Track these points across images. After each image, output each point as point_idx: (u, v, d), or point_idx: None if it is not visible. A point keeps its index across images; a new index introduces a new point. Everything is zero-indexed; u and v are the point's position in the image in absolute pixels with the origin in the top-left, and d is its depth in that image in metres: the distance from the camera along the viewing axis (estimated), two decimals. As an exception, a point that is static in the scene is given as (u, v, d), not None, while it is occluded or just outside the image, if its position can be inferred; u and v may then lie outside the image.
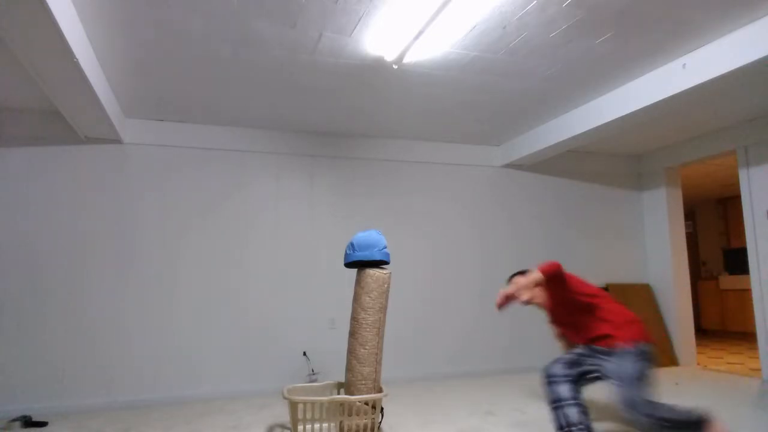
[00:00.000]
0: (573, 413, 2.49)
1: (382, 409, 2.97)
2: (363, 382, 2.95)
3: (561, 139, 4.48)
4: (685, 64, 3.33)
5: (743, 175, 4.77)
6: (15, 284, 3.93)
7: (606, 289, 5.53)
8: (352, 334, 3.06)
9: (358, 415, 2.89)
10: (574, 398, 2.54)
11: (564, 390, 2.56)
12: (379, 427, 3.05)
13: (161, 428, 3.36)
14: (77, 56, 2.72)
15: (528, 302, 2.64)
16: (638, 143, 5.46)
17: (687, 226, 9.05)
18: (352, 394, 2.96)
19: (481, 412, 3.56)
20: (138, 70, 3.43)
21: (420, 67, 3.43)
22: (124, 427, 3.40)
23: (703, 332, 8.05)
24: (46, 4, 2.21)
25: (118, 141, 4.31)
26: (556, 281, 2.56)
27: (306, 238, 4.72)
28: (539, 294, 2.74)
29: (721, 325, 7.63)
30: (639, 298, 5.57)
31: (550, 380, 2.61)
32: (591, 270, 5.60)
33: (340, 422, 2.85)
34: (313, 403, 2.76)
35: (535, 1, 2.66)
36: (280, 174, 4.73)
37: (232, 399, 4.21)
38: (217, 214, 4.50)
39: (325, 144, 4.88)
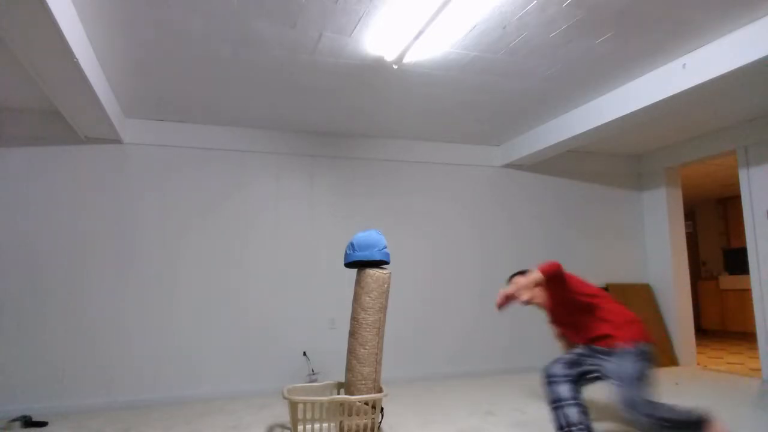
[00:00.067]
0: (573, 413, 2.49)
1: (382, 409, 2.97)
2: (363, 382, 2.95)
3: (561, 139, 4.49)
4: (685, 64, 3.33)
5: (743, 175, 4.77)
6: (15, 284, 3.93)
7: (606, 289, 5.53)
8: (352, 334, 3.06)
9: (358, 415, 2.89)
10: (574, 398, 2.54)
11: (564, 390, 2.56)
12: (379, 427, 3.05)
13: (161, 428, 3.36)
14: (77, 56, 2.72)
15: (528, 302, 2.64)
16: (638, 143, 5.46)
17: (687, 226, 9.05)
18: (352, 394, 2.96)
19: (481, 412, 3.56)
20: (138, 70, 3.43)
21: (420, 67, 3.43)
22: (124, 427, 3.40)
23: (703, 332, 8.05)
24: (46, 4, 2.21)
25: (118, 141, 4.31)
26: (556, 281, 2.56)
27: (306, 238, 4.72)
28: (539, 294, 2.74)
29: (721, 325, 7.63)
30: (639, 298, 5.57)
31: (550, 380, 2.61)
32: (591, 270, 5.60)
33: (340, 422, 2.85)
34: (313, 403, 2.76)
35: (535, 1, 2.66)
36: (280, 174, 4.73)
37: (232, 399, 4.21)
38: (217, 214, 4.50)
39: (325, 144, 4.88)
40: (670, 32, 3.03)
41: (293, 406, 2.79)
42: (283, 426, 3.35)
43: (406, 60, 3.27)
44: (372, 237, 3.13)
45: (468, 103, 4.13)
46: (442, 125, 4.70)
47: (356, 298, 3.09)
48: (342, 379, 4.45)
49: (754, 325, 6.33)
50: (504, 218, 5.39)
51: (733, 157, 5.62)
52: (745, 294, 7.24)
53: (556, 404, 2.55)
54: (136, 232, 4.26)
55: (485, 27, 2.91)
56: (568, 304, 2.65)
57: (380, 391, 3.00)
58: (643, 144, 5.50)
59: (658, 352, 5.30)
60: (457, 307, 5.08)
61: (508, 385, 4.52)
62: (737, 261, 7.97)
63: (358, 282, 3.11)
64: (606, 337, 2.54)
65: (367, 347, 2.99)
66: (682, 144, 5.41)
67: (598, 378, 2.69)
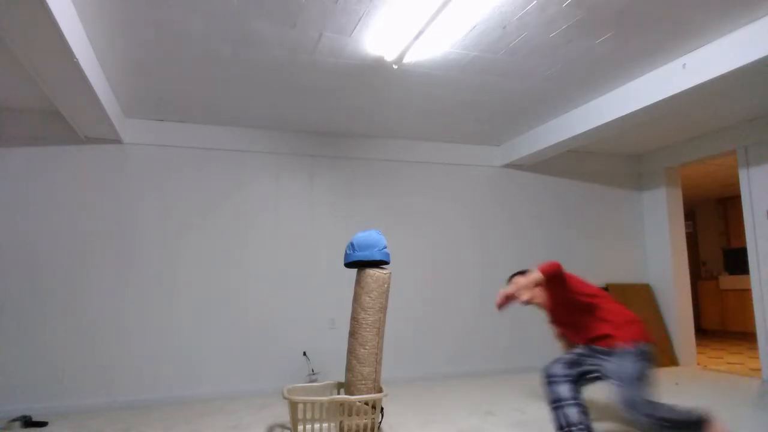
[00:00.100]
0: (573, 413, 2.49)
1: (382, 409, 2.97)
2: (363, 382, 2.95)
3: (561, 139, 4.48)
4: (685, 64, 3.33)
5: (743, 175, 4.77)
6: (15, 284, 3.93)
7: (606, 289, 5.53)
8: (352, 334, 3.06)
9: (358, 415, 2.89)
10: (574, 398, 2.54)
11: (564, 390, 2.56)
12: (379, 427, 3.05)
13: (161, 428, 3.36)
14: (77, 56, 2.73)
15: (528, 302, 2.64)
16: (638, 143, 5.46)
17: (687, 226, 9.05)
18: (352, 394, 2.96)
19: (481, 412, 3.56)
20: (138, 70, 3.43)
21: (420, 67, 3.43)
22: (124, 427, 3.40)
23: (703, 332, 8.05)
24: (46, 4, 2.21)
25: (118, 141, 4.31)
26: (556, 281, 2.56)
27: (306, 238, 4.72)
28: (539, 294, 2.74)
29: (721, 325, 7.63)
30: (639, 298, 5.57)
31: (550, 380, 2.61)
32: (591, 270, 5.60)
33: (340, 422, 2.85)
34: (313, 403, 2.76)
35: (535, 1, 2.66)
36: (280, 174, 4.73)
37: (232, 399, 4.21)
38: (217, 214, 4.50)
39: (325, 144, 4.88)
40: (670, 32, 3.03)
41: (293, 406, 2.79)
42: (283, 426, 3.35)
43: (406, 60, 3.27)
44: (372, 237, 3.13)
45: (468, 103, 4.13)
46: (442, 125, 4.70)
47: (356, 298, 3.09)
48: (342, 379, 4.45)
49: (754, 325, 6.33)
50: (504, 218, 5.39)
51: (733, 157, 5.62)
52: (745, 294, 7.24)
53: (556, 404, 2.55)
54: (136, 232, 4.26)
55: (485, 27, 2.91)
56: (568, 304, 2.65)
57: (380, 391, 3.00)
58: (643, 144, 5.50)
59: (658, 352, 5.30)
60: (457, 307, 5.08)
61: (508, 385, 4.52)
62: (737, 261, 7.97)
63: (358, 282, 3.11)
64: (606, 337, 2.54)
65: (367, 347, 2.99)
66: (682, 144, 5.41)
67: (598, 378, 2.69)
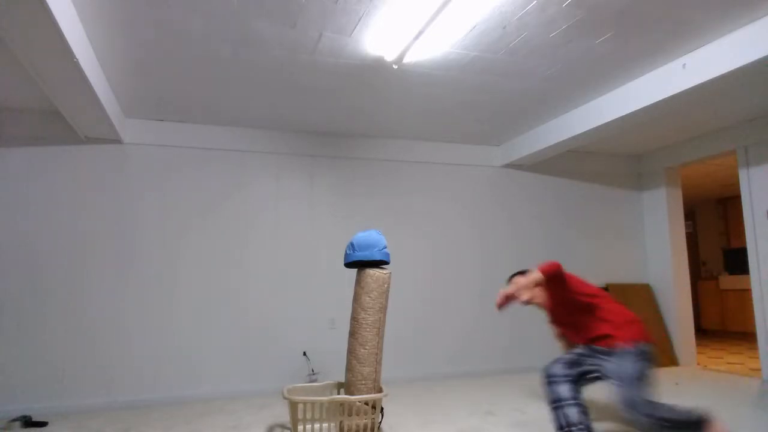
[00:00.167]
0: (573, 413, 2.49)
1: (382, 409, 2.97)
2: (363, 382, 2.95)
3: (561, 139, 4.48)
4: (685, 64, 3.33)
5: (743, 175, 4.77)
6: (15, 284, 3.93)
7: (606, 289, 5.53)
8: (352, 334, 3.06)
9: (358, 415, 2.89)
10: (574, 398, 2.54)
11: (564, 390, 2.56)
12: (379, 427, 3.05)
13: (161, 428, 3.36)
14: (77, 56, 2.73)
15: (528, 302, 2.64)
16: (638, 143, 5.46)
17: (687, 226, 9.05)
18: (352, 394, 2.96)
19: (481, 412, 3.56)
20: (138, 70, 3.43)
21: (420, 67, 3.43)
22: (124, 427, 3.40)
23: (703, 332, 8.05)
24: (46, 4, 2.21)
25: (118, 141, 4.31)
26: (556, 281, 2.56)
27: (306, 238, 4.72)
28: (539, 294, 2.74)
29: (721, 325, 7.63)
30: (639, 298, 5.57)
31: (550, 380, 2.61)
32: (591, 270, 5.60)
33: (340, 422, 2.85)
34: (313, 403, 2.76)
35: (535, 1, 2.66)
36: (280, 174, 4.73)
37: (232, 399, 4.21)
38: (217, 214, 4.50)
39: (325, 144, 4.88)
40: (670, 32, 3.03)
41: (293, 406, 2.79)
42: (283, 426, 3.35)
43: (406, 60, 3.27)
44: (372, 237, 3.13)
45: (468, 103, 4.13)
46: (442, 125, 4.70)
47: (356, 298, 3.09)
48: (342, 379, 4.45)
49: (754, 325, 6.33)
50: (504, 218, 5.39)
51: (733, 157, 5.62)
52: (745, 294, 7.24)
53: (556, 404, 2.55)
54: (136, 232, 4.26)
55: (485, 27, 2.91)
56: (568, 304, 2.65)
57: (380, 391, 3.00)
58: (643, 144, 5.50)
59: (658, 352, 5.30)
60: (457, 307, 5.08)
61: (508, 385, 4.52)
62: (737, 261, 7.97)
63: (358, 282, 3.11)
64: (606, 337, 2.54)
65: (367, 347, 2.99)
66: (682, 144, 5.41)
67: (598, 378, 2.69)
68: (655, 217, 5.73)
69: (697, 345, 6.69)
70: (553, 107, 4.28)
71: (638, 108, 3.69)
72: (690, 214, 9.08)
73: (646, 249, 5.83)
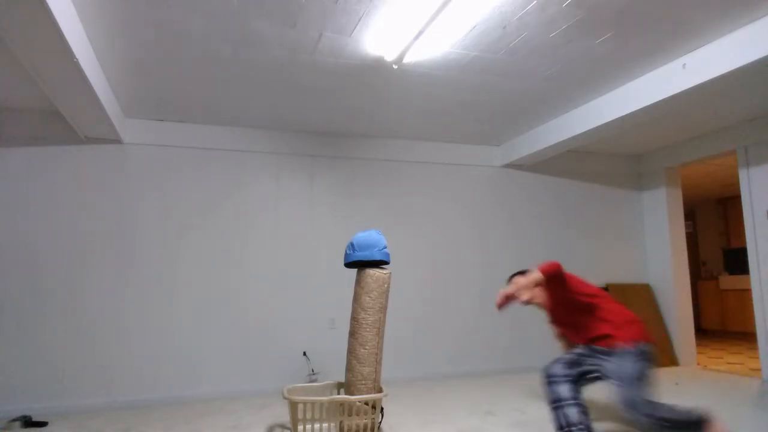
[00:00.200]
0: (573, 413, 2.49)
1: (382, 409, 2.97)
2: (363, 382, 2.95)
3: (561, 139, 4.48)
4: (685, 64, 3.33)
5: (743, 175, 4.77)
6: (15, 284, 3.93)
7: (606, 289, 5.53)
8: (352, 334, 3.06)
9: (358, 415, 2.89)
10: (574, 398, 2.54)
11: (564, 390, 2.56)
12: (379, 427, 3.05)
13: (161, 428, 3.36)
14: (77, 56, 2.73)
15: (528, 302, 2.64)
16: (638, 143, 5.46)
17: (687, 226, 9.05)
18: (352, 394, 2.96)
19: (481, 412, 3.56)
20: (138, 70, 3.43)
21: (420, 67, 3.43)
22: (124, 427, 3.40)
23: (703, 332, 8.05)
24: (46, 4, 2.21)
25: (118, 141, 4.31)
26: (556, 281, 2.56)
27: (306, 238, 4.72)
28: (539, 294, 2.74)
29: (721, 325, 7.63)
30: (639, 298, 5.57)
31: (550, 380, 2.61)
32: (591, 270, 5.60)
33: (340, 422, 2.85)
34: (313, 403, 2.76)
35: (535, 1, 2.66)
36: (280, 174, 4.73)
37: (232, 399, 4.21)
38: (217, 214, 4.50)
39: (325, 144, 4.88)
40: (670, 32, 3.03)
41: (293, 406, 2.79)
42: (283, 426, 3.35)
43: (406, 60, 3.27)
44: (372, 237, 3.13)
45: (468, 103, 4.13)
46: (442, 125, 4.70)
47: (356, 298, 3.09)
48: (342, 379, 4.45)
49: (754, 325, 6.33)
50: (504, 218, 5.39)
51: (733, 157, 5.62)
52: (745, 294, 7.24)
53: (556, 404, 2.55)
54: (136, 232, 4.26)
55: (485, 27, 2.91)
56: (568, 304, 2.65)
57: (380, 391, 3.00)
58: (643, 144, 5.50)
59: (658, 352, 5.30)
60: (457, 307, 5.08)
61: (508, 385, 4.52)
62: (737, 261, 7.97)
63: (358, 282, 3.11)
64: (606, 337, 2.54)
65: (367, 347, 2.99)
66: (682, 144, 5.41)
67: (598, 378, 2.69)
68: (655, 217, 5.73)
69: (697, 345, 6.69)
70: (553, 107, 4.28)
71: (638, 108, 3.69)
72: (690, 214, 9.08)
73: (646, 249, 5.83)
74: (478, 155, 5.37)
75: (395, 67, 3.42)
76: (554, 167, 5.64)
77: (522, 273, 2.88)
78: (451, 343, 5.00)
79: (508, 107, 4.25)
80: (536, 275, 2.47)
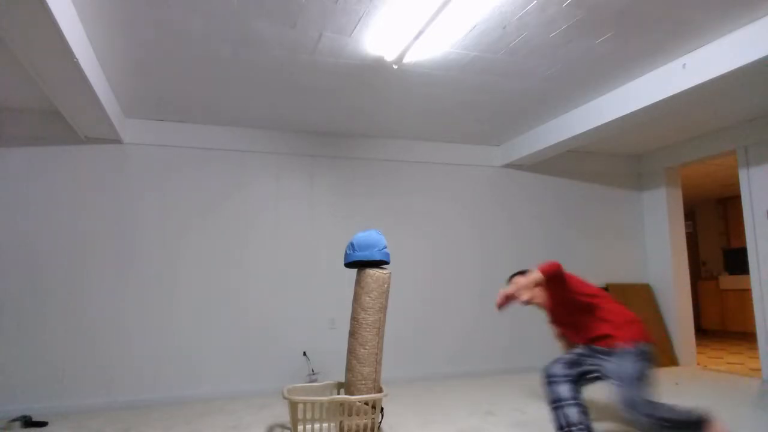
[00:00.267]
0: (573, 413, 2.49)
1: (382, 409, 2.97)
2: (363, 382, 2.95)
3: (561, 139, 4.48)
4: (685, 64, 3.33)
5: (743, 175, 4.77)
6: (15, 284, 3.93)
7: (606, 289, 5.53)
8: (352, 334, 3.06)
9: (358, 415, 2.89)
10: (574, 398, 2.54)
11: (564, 390, 2.56)
12: (379, 427, 3.05)
13: (161, 428, 3.36)
14: (77, 56, 2.73)
15: (528, 302, 2.64)
16: (638, 143, 5.46)
17: (687, 226, 9.05)
18: (352, 394, 2.96)
19: (481, 412, 3.56)
20: (138, 70, 3.43)
21: (420, 67, 3.43)
22: (124, 427, 3.40)
23: (703, 332, 8.05)
24: (46, 4, 2.21)
25: (118, 141, 4.31)
26: (556, 281, 2.56)
27: (306, 238, 4.72)
28: (539, 294, 2.74)
29: (721, 325, 7.63)
30: (639, 298, 5.57)
31: (550, 380, 2.61)
32: (591, 270, 5.60)
33: (340, 422, 2.85)
34: (313, 403, 2.76)
35: (535, 1, 2.66)
36: (280, 174, 4.73)
37: (232, 399, 4.21)
38: (217, 214, 4.50)
39: (325, 144, 4.88)
40: (670, 32, 3.03)
41: (293, 406, 2.79)
42: (283, 426, 3.35)
43: (406, 60, 3.27)
44: (372, 237, 3.13)
45: (468, 103, 4.13)
46: (442, 125, 4.70)
47: (356, 298, 3.09)
48: (342, 379, 4.45)
49: (754, 325, 6.33)
50: (504, 218, 5.39)
51: (733, 157, 5.62)
52: (745, 294, 7.24)
53: (556, 404, 2.55)
54: (136, 232, 4.26)
55: (485, 27, 2.91)
56: (568, 304, 2.65)
57: (380, 391, 3.00)
58: (643, 144, 5.50)
59: (658, 352, 5.30)
60: (457, 307, 5.08)
61: (508, 385, 4.52)
62: (737, 261, 7.97)
63: (358, 282, 3.11)
64: (606, 337, 2.54)
65: (367, 347, 2.99)
66: (682, 144, 5.41)
67: (598, 378, 2.69)
68: (655, 217, 5.73)
69: (697, 345, 6.69)
70: (553, 107, 4.28)
71: (638, 108, 3.69)
72: (690, 214, 9.08)
73: (646, 249, 5.83)
74: (478, 155, 5.37)
75: (395, 67, 3.42)
76: (554, 167, 5.64)
77: (522, 273, 2.88)
78: (451, 343, 5.00)
79: (508, 107, 4.25)
80: (536, 275, 2.47)
